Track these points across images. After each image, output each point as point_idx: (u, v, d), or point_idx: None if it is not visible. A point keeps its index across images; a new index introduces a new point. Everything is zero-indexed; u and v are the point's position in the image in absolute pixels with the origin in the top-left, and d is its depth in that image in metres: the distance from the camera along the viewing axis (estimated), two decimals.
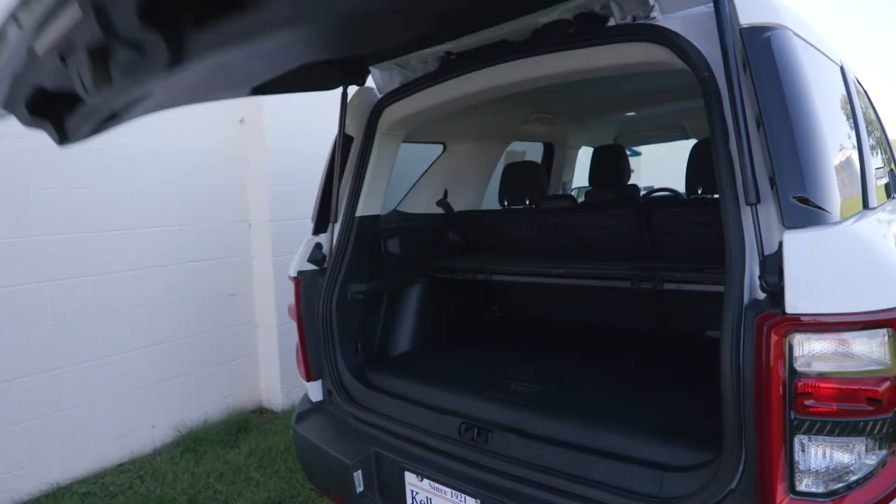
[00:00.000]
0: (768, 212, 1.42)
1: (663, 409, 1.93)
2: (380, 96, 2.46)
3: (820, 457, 1.30)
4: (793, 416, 1.28)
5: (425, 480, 1.91)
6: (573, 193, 4.67)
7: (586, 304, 3.08)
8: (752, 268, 1.42)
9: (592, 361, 2.50)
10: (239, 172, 4.33)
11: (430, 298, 2.97)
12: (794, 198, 1.34)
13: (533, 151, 4.56)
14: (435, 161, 3.41)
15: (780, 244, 1.35)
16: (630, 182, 3.55)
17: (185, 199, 3.98)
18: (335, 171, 2.45)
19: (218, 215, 4.20)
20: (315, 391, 2.50)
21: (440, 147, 3.47)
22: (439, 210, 3.22)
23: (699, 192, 2.53)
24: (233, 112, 4.24)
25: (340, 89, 2.35)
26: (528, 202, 3.07)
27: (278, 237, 4.25)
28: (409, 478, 1.95)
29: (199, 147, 4.06)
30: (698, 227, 2.53)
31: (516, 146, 4.29)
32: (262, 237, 4.33)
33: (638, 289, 2.30)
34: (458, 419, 2.01)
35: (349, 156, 2.52)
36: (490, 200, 3.74)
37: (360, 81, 2.37)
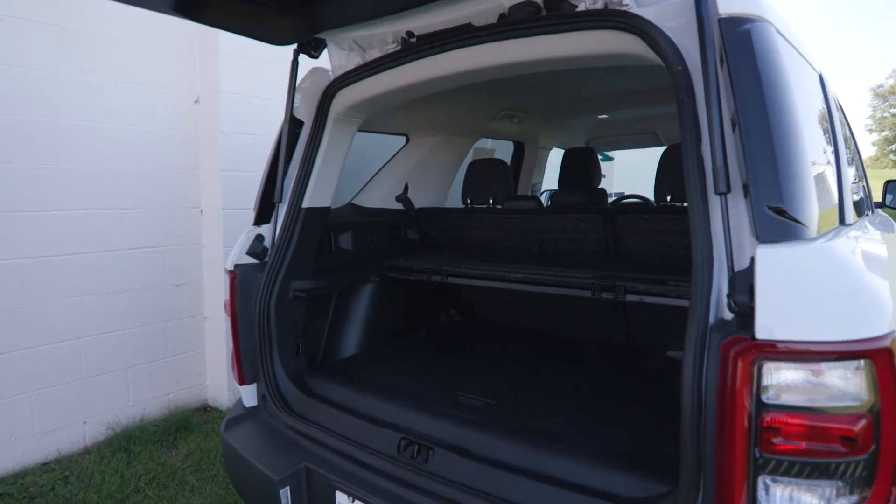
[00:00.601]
0: (739, 222, 1.28)
1: (619, 432, 1.79)
2: (333, 78, 2.26)
3: (786, 500, 1.16)
4: (758, 454, 1.14)
5: (357, 502, 1.73)
6: (542, 196, 4.54)
7: (546, 312, 2.94)
8: (721, 283, 1.29)
9: (549, 374, 2.35)
10: (192, 156, 4.07)
11: (383, 299, 2.79)
12: (769, 208, 1.20)
13: (503, 152, 4.41)
14: (396, 154, 3.22)
15: (752, 260, 1.21)
16: (601, 187, 3.42)
17: (131, 182, 3.71)
18: (280, 157, 2.25)
19: (167, 200, 3.94)
20: (249, 396, 2.29)
21: (403, 139, 3.28)
22: (398, 206, 3.03)
23: (668, 199, 2.40)
24: (187, 92, 3.98)
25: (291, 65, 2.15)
26: (492, 202, 2.91)
27: (231, 226, 4.00)
28: (340, 498, 1.77)
29: (150, 127, 3.79)
30: (666, 237, 2.40)
31: (485, 144, 4.14)
32: (213, 225, 4.08)
33: (599, 299, 2.16)
34: (398, 434, 1.84)
35: (297, 141, 2.32)
36: (454, 199, 3.58)
37: (314, 53, 2.18)
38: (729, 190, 1.26)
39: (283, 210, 2.31)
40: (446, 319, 3.26)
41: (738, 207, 1.29)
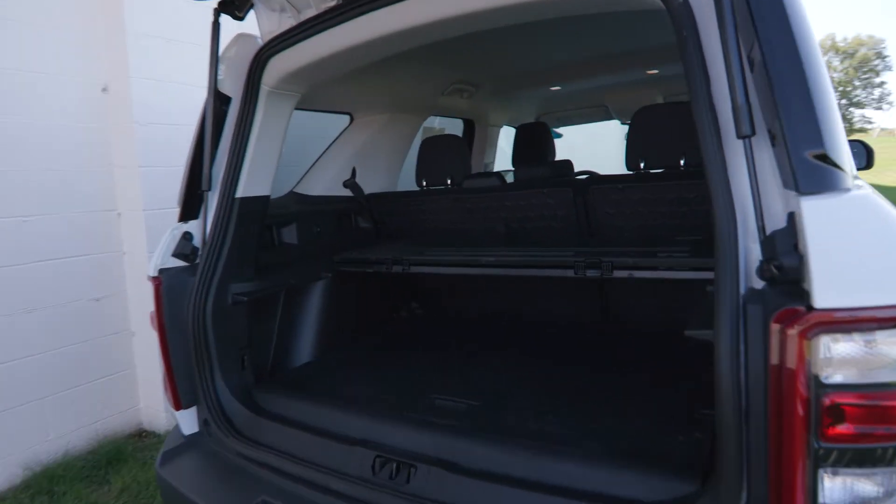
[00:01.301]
0: (765, 175, 1.10)
1: (621, 426, 1.60)
2: (262, 43, 1.94)
3: (847, 492, 0.99)
4: (817, 443, 0.96)
5: None
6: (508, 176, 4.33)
7: (516, 297, 2.74)
8: (748, 246, 1.10)
9: (530, 366, 2.14)
10: (102, 152, 3.58)
11: (337, 297, 2.50)
12: (810, 154, 1.01)
13: (453, 132, 4.17)
14: (340, 135, 2.91)
15: (792, 216, 1.02)
16: (567, 159, 3.24)
17: (33, 184, 3.21)
18: (206, 139, 1.91)
19: (77, 204, 3.45)
20: (188, 422, 1.96)
21: (346, 119, 2.97)
22: (346, 192, 2.73)
23: (641, 166, 2.23)
24: (92, 79, 3.48)
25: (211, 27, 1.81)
26: (449, 182, 2.66)
27: (155, 228, 3.55)
28: None
29: (53, 121, 3.28)
30: (641, 206, 2.24)
31: (433, 124, 3.88)
32: (134, 229, 3.62)
33: (582, 278, 1.96)
34: (370, 452, 1.57)
35: (225, 120, 1.98)
36: (406, 183, 3.31)
37: (238, 14, 1.85)
38: (754, 132, 1.08)
39: (213, 202, 1.97)
40: (408, 314, 2.99)
41: (763, 156, 1.10)
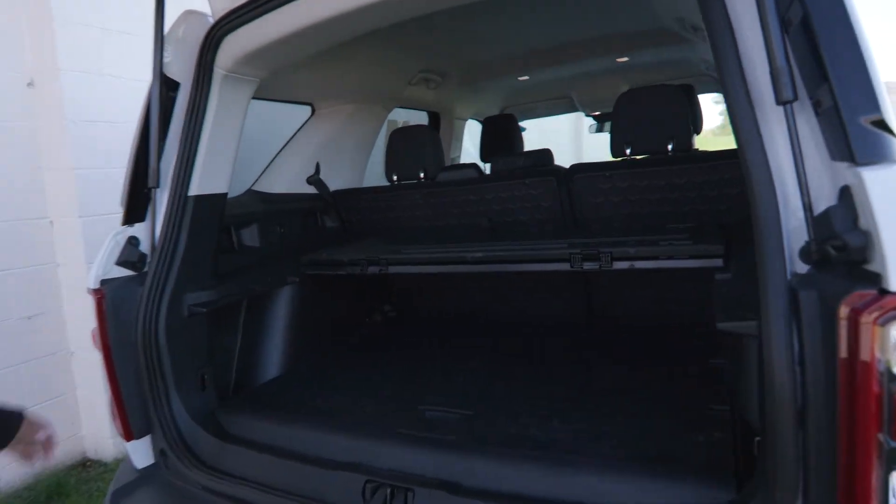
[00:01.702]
0: (808, 146, 0.99)
1: (634, 427, 1.47)
2: (214, 21, 1.71)
3: None
4: (890, 445, 0.85)
5: None
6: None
7: (500, 295, 2.59)
8: (789, 225, 0.99)
9: (520, 368, 2.00)
10: (30, 153, 3.22)
11: (306, 303, 2.29)
12: (866, 121, 0.90)
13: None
14: (301, 127, 2.69)
15: (846, 190, 0.91)
16: (546, 148, 3.10)
17: None
18: (152, 129, 1.67)
19: (1, 212, 3.08)
20: (141, 453, 1.71)
21: (307, 111, 2.75)
22: (310, 189, 2.52)
23: (627, 153, 2.13)
24: (15, 72, 3.12)
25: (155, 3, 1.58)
26: (422, 176, 2.49)
27: (94, 237, 3.21)
28: None
29: None
30: (630, 195, 2.13)
31: (398, 117, 3.69)
32: (69, 238, 3.27)
33: (569, 271, 1.83)
34: (359, 476, 1.39)
35: (174, 109, 1.75)
36: (372, 180, 3.11)
37: None
38: (796, 97, 0.96)
39: (162, 201, 1.73)
40: (383, 318, 2.80)
41: (804, 126, 0.99)
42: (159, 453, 1.68)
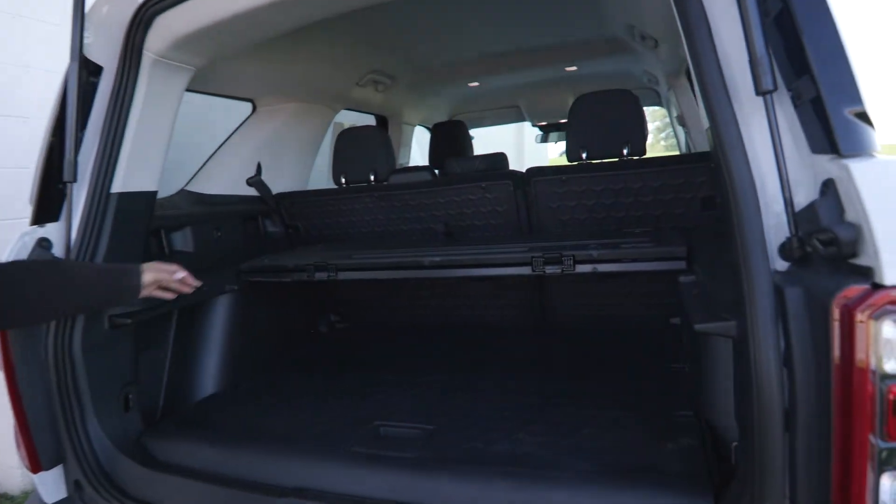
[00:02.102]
0: (787, 139, 0.96)
1: (603, 437, 1.40)
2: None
3: None
4: (882, 444, 0.81)
5: None
6: None
7: (454, 302, 2.50)
8: (769, 221, 0.95)
9: (480, 377, 1.91)
10: None
11: (247, 313, 2.11)
12: (850, 112, 0.88)
13: None
14: (241, 125, 2.51)
15: (830, 183, 0.88)
16: (502, 152, 3.05)
17: None
18: (69, 119, 1.48)
19: None
20: (50, 486, 1.50)
21: (247, 108, 2.58)
22: (251, 191, 2.34)
23: (583, 157, 2.10)
24: None
25: None
26: (373, 178, 2.37)
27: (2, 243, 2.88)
28: None
29: None
30: (586, 199, 2.10)
31: (343, 121, 3.56)
32: None
33: (524, 276, 1.77)
34: (308, 503, 1.25)
35: (95, 96, 1.56)
36: (318, 181, 2.96)
37: None
38: (776, 87, 0.93)
39: (80, 198, 1.54)
40: (329, 329, 2.64)
41: (783, 117, 0.96)
42: (73, 485, 1.46)
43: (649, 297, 2.21)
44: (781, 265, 0.95)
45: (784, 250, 0.94)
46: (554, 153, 12.43)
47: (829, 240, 0.83)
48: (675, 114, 3.69)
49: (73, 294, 1.29)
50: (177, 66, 1.69)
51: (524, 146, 10.76)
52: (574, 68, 3.37)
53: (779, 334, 0.89)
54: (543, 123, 4.79)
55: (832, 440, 0.83)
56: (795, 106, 0.95)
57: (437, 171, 2.59)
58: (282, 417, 1.71)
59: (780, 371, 0.88)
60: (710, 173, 1.90)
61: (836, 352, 0.81)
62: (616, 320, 2.30)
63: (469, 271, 1.79)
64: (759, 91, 0.94)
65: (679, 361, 1.86)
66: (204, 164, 2.30)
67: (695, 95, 3.14)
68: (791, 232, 0.92)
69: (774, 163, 0.94)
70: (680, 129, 3.92)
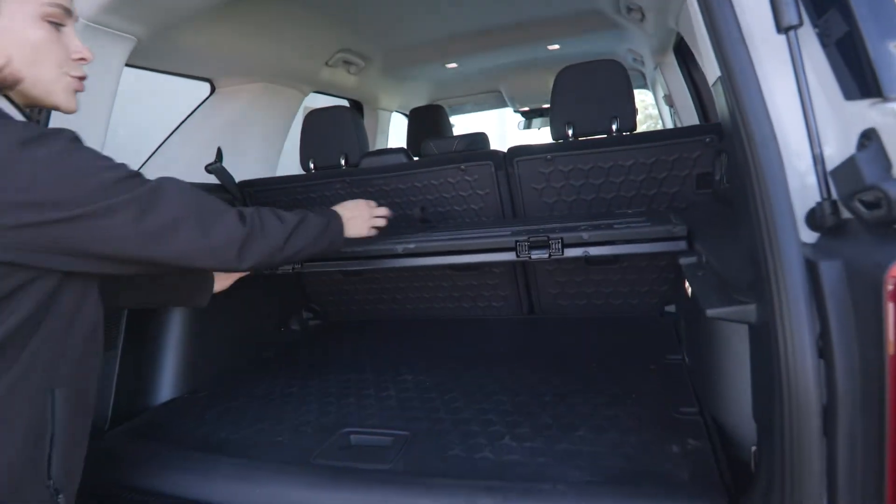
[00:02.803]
0: (814, 84, 0.81)
1: (600, 441, 1.25)
2: None
3: None
4: None
5: None
6: None
7: (432, 294, 2.33)
8: (796, 182, 0.81)
9: (461, 377, 1.75)
10: None
11: (207, 311, 1.92)
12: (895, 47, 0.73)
13: None
14: (199, 107, 2.31)
15: (872, 133, 0.73)
16: (482, 132, 2.88)
17: None
18: None
19: None
20: None
21: (205, 88, 2.38)
22: (211, 179, 2.15)
23: (569, 134, 1.95)
24: None
25: None
26: (344, 162, 2.20)
27: None
28: None
29: None
30: (574, 179, 1.95)
31: (318, 105, 3.36)
32: None
33: (523, 261, 1.62)
34: None
35: None
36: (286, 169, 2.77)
37: None
38: (801, 21, 0.78)
39: None
40: (301, 327, 2.46)
41: (808, 59, 0.81)
42: None
43: (641, 284, 2.07)
44: (809, 236, 0.80)
45: (813, 218, 0.79)
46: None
47: (875, 200, 0.68)
48: (661, 94, 3.55)
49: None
50: (113, 34, 1.50)
51: (506, 136, 10.62)
52: (556, 47, 3.21)
53: (812, 318, 0.74)
54: (526, 109, 4.63)
55: (886, 446, 0.68)
56: (823, 45, 0.80)
57: (413, 157, 2.42)
58: (242, 426, 1.54)
59: (817, 362, 0.73)
60: (706, 148, 1.76)
61: (893, 336, 0.66)
62: (606, 309, 2.16)
63: (447, 259, 1.63)
64: (781, 27, 0.78)
65: (676, 352, 1.72)
66: (156, 150, 2.10)
67: (685, 69, 3.02)
68: (822, 195, 0.78)
69: (800, 114, 0.79)
70: (666, 112, 3.79)
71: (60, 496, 0.93)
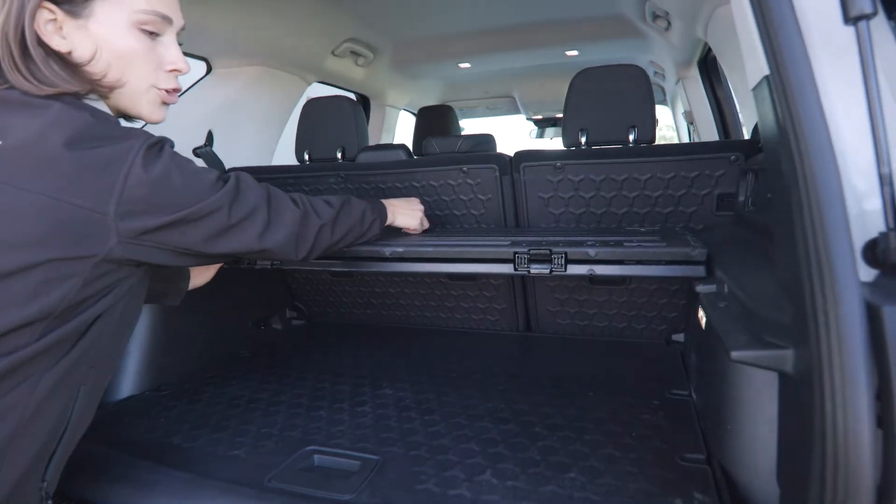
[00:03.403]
0: (884, 88, 0.67)
1: (594, 487, 1.10)
2: None
3: None
4: None
5: None
6: None
7: (427, 302, 2.19)
8: (860, 204, 0.66)
9: (448, 395, 1.60)
10: None
11: (183, 302, 1.79)
12: None
13: None
14: (192, 87, 2.19)
15: None
16: (488, 133, 2.77)
17: None
18: None
19: None
20: None
21: (202, 67, 2.25)
22: (198, 162, 2.02)
23: (582, 141, 1.81)
24: None
25: None
26: (340, 156, 2.07)
27: None
28: None
29: None
30: (584, 190, 1.80)
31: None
32: None
33: (522, 274, 1.48)
34: None
35: None
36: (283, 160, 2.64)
37: None
38: (875, 10, 0.64)
39: None
40: (283, 326, 2.32)
41: (881, 58, 0.67)
42: None
43: (649, 308, 1.92)
44: (866, 273, 0.66)
45: (873, 252, 0.65)
46: None
47: None
48: (681, 110, 3.41)
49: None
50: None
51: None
52: (574, 53, 3.08)
53: (871, 376, 0.59)
54: (539, 117, 4.50)
55: None
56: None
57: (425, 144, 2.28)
58: (199, 433, 1.40)
59: (874, 431, 0.59)
60: (730, 166, 1.61)
61: None
62: (609, 332, 2.01)
63: (438, 266, 1.48)
64: (849, 16, 0.64)
65: (682, 387, 1.57)
66: (142, 126, 1.97)
67: (709, 85, 2.87)
68: (889, 225, 0.63)
69: (866, 123, 0.64)
70: (684, 129, 3.65)
71: (49, 502, 0.92)
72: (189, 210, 0.88)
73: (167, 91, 1.00)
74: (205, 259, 1.00)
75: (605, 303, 1.97)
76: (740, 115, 2.65)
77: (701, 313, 1.34)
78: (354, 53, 2.73)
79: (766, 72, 0.74)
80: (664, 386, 1.59)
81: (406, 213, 1.56)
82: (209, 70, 2.23)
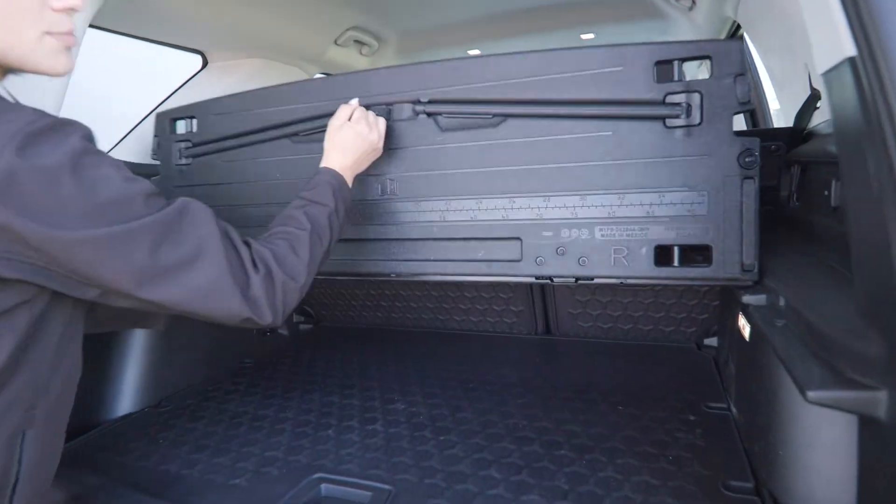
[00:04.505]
0: None
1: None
2: None
3: None
4: None
5: None
6: None
7: (442, 303, 2.08)
8: None
9: (465, 413, 1.49)
10: None
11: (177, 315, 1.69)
12: None
13: None
14: (187, 82, 2.07)
15: None
16: None
17: None
18: None
19: None
20: None
21: (196, 60, 2.14)
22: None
23: None
24: None
25: None
26: None
27: None
28: None
29: None
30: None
31: None
32: None
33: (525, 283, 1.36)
34: None
35: None
36: None
37: None
38: None
39: None
40: (290, 332, 2.22)
41: None
42: None
43: (678, 310, 1.80)
44: None
45: None
46: None
47: None
48: None
49: None
50: None
51: None
52: (590, 36, 2.92)
53: None
54: None
55: None
56: None
57: None
58: (198, 458, 1.30)
59: None
60: (769, 156, 1.47)
61: None
62: (634, 336, 1.89)
63: (449, 278, 1.37)
64: None
65: (719, 399, 1.45)
66: (133, 128, 1.87)
67: None
68: None
69: None
70: None
71: None
72: (79, 231, 0.70)
73: (64, 34, 0.81)
74: (132, 301, 0.80)
75: (631, 304, 1.85)
76: (769, 102, 2.48)
77: (742, 321, 1.21)
78: (358, 42, 2.60)
79: (850, 53, 0.61)
80: (698, 398, 1.47)
81: (361, 160, 1.26)
82: (205, 64, 2.11)
